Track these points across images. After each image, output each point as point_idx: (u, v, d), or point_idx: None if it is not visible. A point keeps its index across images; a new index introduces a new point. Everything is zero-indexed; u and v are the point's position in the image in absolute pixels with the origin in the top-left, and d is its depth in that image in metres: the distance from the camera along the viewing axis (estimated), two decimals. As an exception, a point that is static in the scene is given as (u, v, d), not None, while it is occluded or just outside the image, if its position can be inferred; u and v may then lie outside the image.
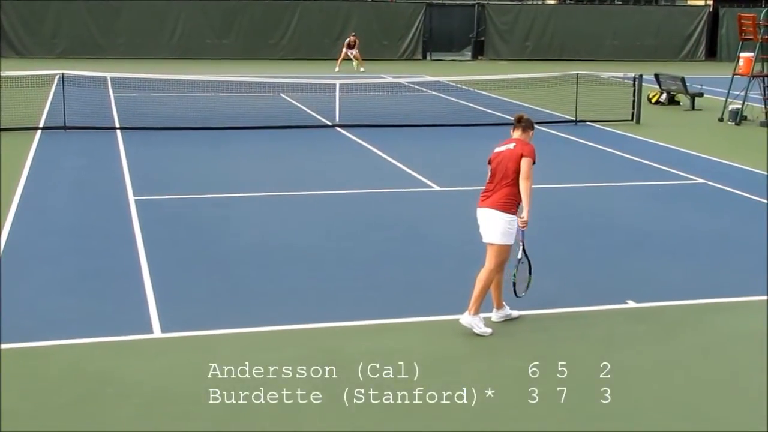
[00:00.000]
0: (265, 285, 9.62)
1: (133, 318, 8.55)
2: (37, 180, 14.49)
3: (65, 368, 7.48)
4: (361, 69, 33.55)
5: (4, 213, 12.21)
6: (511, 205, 8.23)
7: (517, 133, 8.45)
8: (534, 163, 8.24)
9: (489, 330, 8.28)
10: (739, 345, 8.26)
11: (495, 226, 8.21)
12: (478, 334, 8.20)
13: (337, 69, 33.00)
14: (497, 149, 8.42)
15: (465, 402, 6.97)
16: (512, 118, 8.65)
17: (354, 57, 34.24)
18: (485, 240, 8.34)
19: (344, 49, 34.68)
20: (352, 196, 13.93)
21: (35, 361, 7.63)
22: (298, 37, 39.19)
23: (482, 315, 8.31)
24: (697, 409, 6.96)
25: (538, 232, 11.19)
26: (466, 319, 8.27)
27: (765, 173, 15.78)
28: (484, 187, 8.43)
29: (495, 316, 8.56)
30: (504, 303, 8.59)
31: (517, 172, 8.17)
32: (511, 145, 8.32)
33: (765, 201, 13.67)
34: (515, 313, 8.65)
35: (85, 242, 11.13)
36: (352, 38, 34.87)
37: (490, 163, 8.42)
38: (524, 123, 8.47)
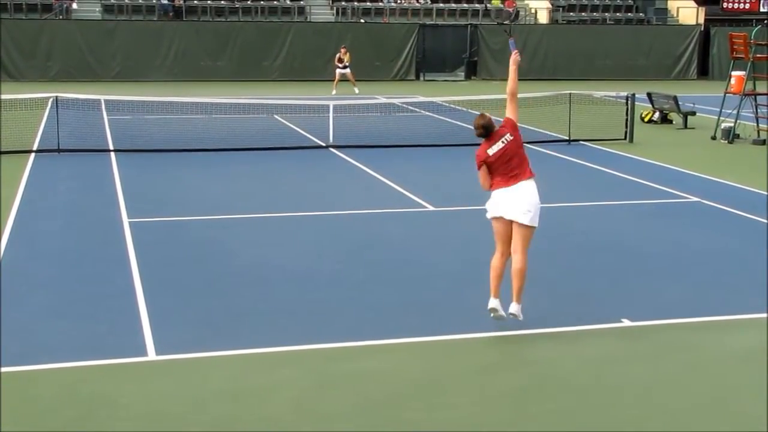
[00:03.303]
0: (259, 306, 9.60)
1: (127, 340, 8.52)
2: (30, 203, 14.47)
3: (58, 392, 7.45)
4: (356, 90, 33.48)
5: (-2, 236, 12.19)
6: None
7: (486, 138, 8.81)
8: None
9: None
10: (735, 363, 8.25)
11: (536, 203, 8.63)
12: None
13: (333, 92, 32.92)
14: (492, 150, 8.70)
15: (458, 422, 6.95)
16: (476, 131, 8.92)
17: (348, 77, 34.17)
18: (527, 221, 8.57)
19: (337, 71, 34.34)
20: (345, 216, 13.93)
21: (28, 384, 7.59)
22: (292, 59, 39.29)
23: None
24: (692, 429, 6.94)
25: (532, 252, 11.21)
26: (515, 307, 8.64)
27: (757, 191, 15.82)
28: (502, 174, 8.69)
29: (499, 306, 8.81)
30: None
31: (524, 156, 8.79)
32: (507, 136, 8.71)
33: (758, 218, 13.70)
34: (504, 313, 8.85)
35: (79, 265, 11.11)
36: (342, 50, 34.46)
37: (485, 162, 8.73)
38: (491, 129, 8.82)
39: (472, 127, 9.00)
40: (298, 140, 21.42)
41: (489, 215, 8.89)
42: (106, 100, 24.91)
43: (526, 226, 8.63)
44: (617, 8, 46.44)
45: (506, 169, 8.69)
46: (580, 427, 6.92)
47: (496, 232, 8.85)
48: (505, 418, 7.07)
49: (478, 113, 9.14)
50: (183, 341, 8.53)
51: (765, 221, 13.50)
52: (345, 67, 34.14)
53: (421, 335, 8.74)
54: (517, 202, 8.63)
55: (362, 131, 22.20)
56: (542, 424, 6.94)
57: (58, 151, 19.05)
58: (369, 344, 8.56)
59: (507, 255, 8.80)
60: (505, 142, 8.70)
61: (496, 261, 8.83)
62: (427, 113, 27.21)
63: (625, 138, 21.68)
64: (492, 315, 8.74)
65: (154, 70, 38.09)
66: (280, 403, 7.26)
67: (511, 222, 8.70)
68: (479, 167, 8.80)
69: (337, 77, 34.13)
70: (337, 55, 34.58)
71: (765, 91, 22.34)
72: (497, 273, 8.77)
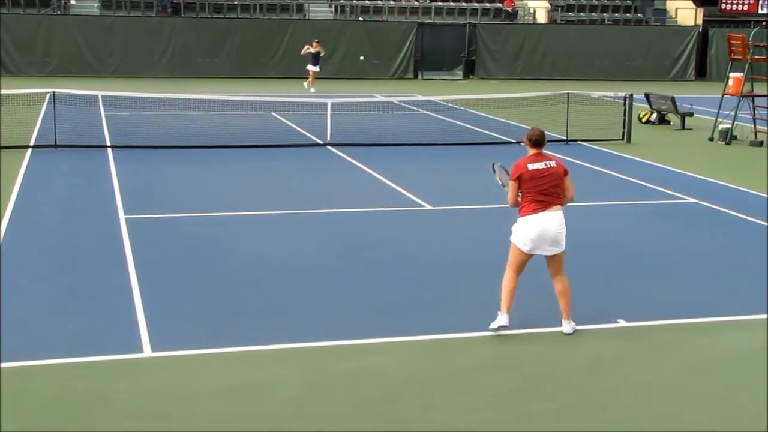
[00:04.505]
0: (256, 304, 9.59)
1: (124, 337, 8.51)
2: (27, 199, 14.45)
3: (54, 388, 7.43)
4: (311, 89, 32.91)
5: (-6, 232, 12.17)
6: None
7: (536, 150, 8.74)
8: None
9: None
10: (731, 365, 8.26)
11: (563, 232, 8.66)
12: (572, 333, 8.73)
13: (313, 90, 32.78)
14: (533, 165, 8.62)
15: (453, 421, 6.95)
16: (530, 135, 8.82)
17: (311, 74, 33.60)
18: (561, 250, 8.67)
19: (311, 67, 33.73)
20: (342, 214, 13.92)
21: (24, 381, 7.57)
22: (290, 57, 39.22)
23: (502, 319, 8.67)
24: (688, 429, 6.94)
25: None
26: (571, 325, 8.75)
27: (755, 192, 15.83)
28: (534, 197, 8.59)
29: (504, 320, 8.70)
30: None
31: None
32: (552, 162, 8.70)
33: (755, 220, 13.70)
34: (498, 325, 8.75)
35: (76, 261, 11.10)
36: (314, 44, 33.84)
37: (520, 178, 8.61)
38: (542, 141, 8.79)
39: (526, 137, 8.85)
40: (295, 138, 21.41)
41: (515, 241, 8.71)
42: (103, 96, 24.90)
43: (562, 252, 8.75)
44: (616, 8, 46.46)
45: (538, 191, 8.57)
46: (576, 427, 6.92)
47: (517, 260, 8.73)
48: (501, 418, 7.07)
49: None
50: (179, 338, 8.53)
51: (763, 223, 13.51)
52: (316, 63, 33.89)
53: (418, 334, 8.74)
54: (547, 236, 8.59)
55: (360, 129, 22.19)
56: (537, 424, 6.94)
57: (55, 146, 19.03)
58: (366, 342, 8.56)
59: (520, 274, 8.81)
60: (548, 165, 8.64)
61: (512, 282, 8.72)
62: (425, 112, 27.20)
63: (623, 138, 21.69)
64: (497, 332, 8.66)
65: (152, 67, 38.06)
66: (276, 401, 7.25)
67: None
68: (512, 178, 8.67)
69: (311, 75, 33.75)
70: (312, 53, 33.87)
71: (763, 93, 22.35)
72: (512, 292, 8.71)
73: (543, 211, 8.58)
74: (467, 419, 7.00)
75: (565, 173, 8.72)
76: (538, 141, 8.72)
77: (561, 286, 8.80)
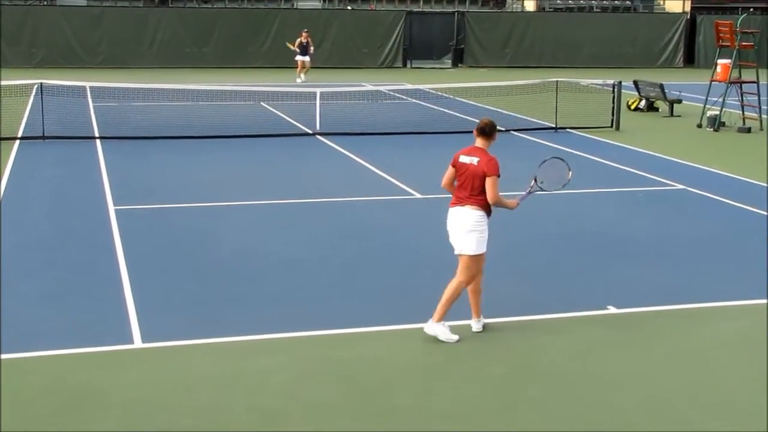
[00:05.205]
0: (246, 294, 9.59)
1: (114, 328, 8.51)
2: (15, 190, 14.40)
3: (45, 380, 7.42)
4: (298, 79, 32.56)
5: (-17, 224, 12.13)
6: (485, 207, 8.26)
7: (479, 141, 8.43)
8: (499, 175, 8.22)
9: (456, 337, 8.24)
10: (721, 350, 8.30)
11: (465, 231, 8.18)
12: (444, 341, 8.18)
13: (299, 79, 32.64)
14: (463, 158, 8.37)
15: (444, 409, 6.98)
16: (478, 124, 8.54)
17: (305, 64, 33.36)
18: (457, 251, 8.31)
19: (300, 57, 33.31)
20: (332, 204, 13.92)
21: (15, 373, 7.56)
22: (278, 46, 39.11)
23: (447, 323, 8.30)
24: (677, 415, 6.98)
25: (517, 239, 11.26)
26: (431, 327, 8.25)
27: (743, 178, 15.89)
28: (455, 191, 8.41)
29: (476, 326, 8.53)
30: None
31: (484, 187, 8.21)
32: (475, 160, 8.28)
33: (743, 206, 13.75)
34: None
35: (65, 253, 11.07)
36: (304, 35, 33.49)
37: (454, 166, 8.41)
38: (488, 131, 8.43)
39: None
40: (284, 127, 21.38)
41: None
42: (91, 87, 24.81)
43: (460, 255, 8.36)
44: (604, -4, 46.53)
45: (459, 185, 8.35)
46: (565, 414, 6.95)
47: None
48: (491, 405, 7.09)
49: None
50: (169, 329, 8.52)
51: (750, 208, 13.56)
52: (305, 53, 33.61)
53: (408, 322, 8.74)
54: (451, 230, 8.36)
55: (349, 119, 22.17)
56: (527, 412, 6.97)
57: (43, 138, 18.95)
58: (357, 332, 8.57)
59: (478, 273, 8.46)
60: (472, 162, 8.27)
61: (471, 284, 8.48)
62: (414, 101, 27.18)
63: (612, 126, 21.72)
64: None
65: (140, 57, 37.94)
66: (268, 391, 7.26)
67: None
68: (451, 163, 8.47)
69: (300, 65, 33.44)
70: (298, 42, 33.47)
71: (751, 79, 22.41)
72: (472, 293, 8.46)
73: (454, 206, 8.36)
74: (460, 407, 7.02)
75: (486, 175, 8.17)
76: (482, 130, 8.36)
77: (448, 286, 8.34)
